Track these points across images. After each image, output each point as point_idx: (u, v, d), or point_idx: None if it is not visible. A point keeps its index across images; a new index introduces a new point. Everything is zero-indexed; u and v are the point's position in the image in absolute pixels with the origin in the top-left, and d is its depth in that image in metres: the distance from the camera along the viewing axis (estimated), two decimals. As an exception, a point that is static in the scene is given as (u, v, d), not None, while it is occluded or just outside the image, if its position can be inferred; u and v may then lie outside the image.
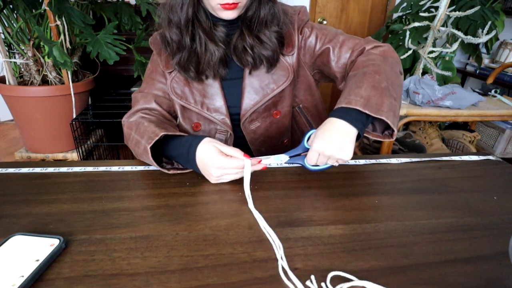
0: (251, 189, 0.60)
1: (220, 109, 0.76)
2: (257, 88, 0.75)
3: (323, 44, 0.75)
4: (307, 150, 0.59)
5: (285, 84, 0.75)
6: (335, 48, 0.73)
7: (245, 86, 0.75)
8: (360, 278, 0.40)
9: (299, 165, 0.57)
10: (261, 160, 0.62)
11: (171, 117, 0.78)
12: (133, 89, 1.84)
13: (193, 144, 0.61)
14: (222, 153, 0.59)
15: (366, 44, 0.72)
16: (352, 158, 0.73)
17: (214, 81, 0.75)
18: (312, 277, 0.40)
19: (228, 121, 0.77)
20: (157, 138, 0.61)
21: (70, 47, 1.57)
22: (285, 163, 0.57)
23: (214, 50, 0.70)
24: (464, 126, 1.98)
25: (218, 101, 0.76)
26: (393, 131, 0.63)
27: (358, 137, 0.60)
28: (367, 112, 0.57)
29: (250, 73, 0.74)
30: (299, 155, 0.59)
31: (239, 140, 0.80)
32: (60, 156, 1.68)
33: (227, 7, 0.64)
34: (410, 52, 1.85)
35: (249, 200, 0.55)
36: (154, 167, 0.67)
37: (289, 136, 0.85)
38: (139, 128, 0.68)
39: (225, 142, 0.78)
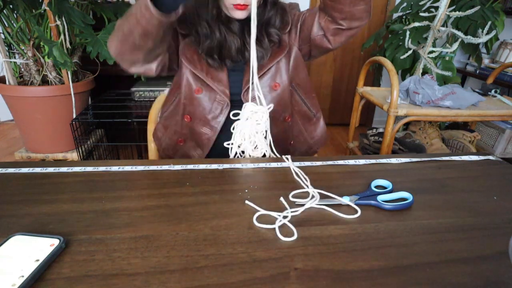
0: (251, 189, 0.60)
1: (222, 80, 0.83)
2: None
3: (301, 16, 0.85)
4: (374, 193, 0.59)
5: (280, 56, 0.83)
6: (307, 12, 0.85)
7: (247, 66, 0.83)
8: (360, 278, 0.40)
9: (370, 204, 0.57)
10: None
11: None
12: (133, 89, 1.84)
13: None
14: None
15: None
16: (352, 158, 0.74)
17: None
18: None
19: (227, 91, 0.82)
20: None
21: (70, 47, 1.57)
22: (355, 203, 0.57)
23: (233, 41, 0.79)
24: (464, 126, 1.98)
25: (221, 73, 0.83)
26: None
27: None
28: None
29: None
30: (366, 197, 0.58)
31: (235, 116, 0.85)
32: (60, 156, 1.68)
33: (239, 7, 0.73)
34: (410, 52, 1.85)
35: None
36: (154, 166, 0.67)
37: (290, 112, 0.89)
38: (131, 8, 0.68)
39: (221, 111, 0.83)
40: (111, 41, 0.73)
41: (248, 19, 0.79)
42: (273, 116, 0.85)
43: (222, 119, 0.83)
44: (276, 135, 0.86)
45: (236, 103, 0.83)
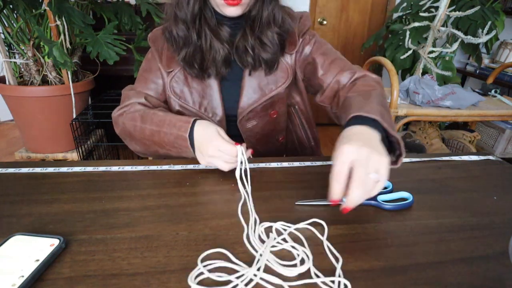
0: (251, 189, 0.60)
1: (217, 110, 0.77)
2: (255, 88, 0.76)
3: (315, 54, 0.76)
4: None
5: (284, 85, 0.77)
6: (325, 62, 0.75)
7: (244, 85, 0.76)
8: (360, 278, 0.40)
9: (371, 204, 0.56)
10: (253, 151, 0.64)
11: None
12: (133, 89, 1.84)
13: (198, 119, 0.65)
14: (221, 136, 0.62)
15: (357, 69, 0.73)
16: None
17: (214, 81, 0.76)
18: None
19: (224, 122, 0.78)
20: (190, 124, 0.64)
21: (70, 47, 1.57)
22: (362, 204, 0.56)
23: (219, 49, 0.71)
24: (464, 126, 1.98)
25: (216, 102, 0.77)
26: (399, 156, 0.55)
27: None
28: (384, 125, 0.52)
29: (249, 74, 0.76)
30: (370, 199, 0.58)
31: (234, 139, 0.80)
32: (60, 156, 1.68)
33: (230, 3, 0.65)
34: (410, 52, 1.85)
35: (241, 188, 0.57)
36: (154, 166, 0.67)
37: (284, 134, 0.86)
38: (147, 116, 0.70)
39: None
40: (135, 146, 0.75)
41: (239, 23, 0.73)
42: (265, 138, 0.81)
43: None
44: (266, 153, 0.82)
45: (232, 117, 0.78)
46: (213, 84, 0.76)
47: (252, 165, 0.69)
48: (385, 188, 0.62)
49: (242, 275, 0.40)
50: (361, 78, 0.71)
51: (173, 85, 0.76)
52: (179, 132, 0.64)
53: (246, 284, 0.38)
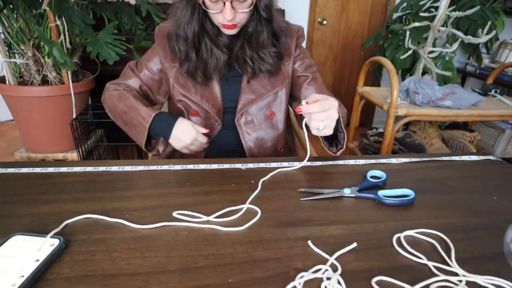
0: (251, 189, 0.60)
1: (217, 101, 0.81)
2: (254, 89, 0.81)
3: (305, 71, 0.85)
4: (372, 184, 0.62)
5: (280, 86, 0.82)
6: (311, 80, 0.84)
7: (243, 86, 0.81)
8: (360, 278, 0.40)
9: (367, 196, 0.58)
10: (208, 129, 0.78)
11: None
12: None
13: (177, 116, 0.77)
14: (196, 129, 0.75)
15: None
16: (352, 158, 0.74)
17: (216, 81, 0.81)
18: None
19: (221, 113, 0.82)
20: (152, 116, 0.74)
21: (70, 47, 1.57)
22: (356, 196, 0.58)
23: (219, 55, 0.76)
24: (464, 126, 1.98)
25: (216, 90, 0.81)
26: (338, 149, 0.70)
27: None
28: (341, 122, 0.67)
29: (248, 82, 0.81)
30: (365, 189, 0.59)
31: (228, 131, 0.84)
32: (60, 156, 1.68)
33: (227, 27, 0.72)
34: (410, 52, 1.85)
35: None
36: (154, 166, 0.67)
37: (283, 144, 0.89)
38: (122, 98, 0.79)
39: (214, 129, 0.83)
40: (109, 112, 0.83)
41: (237, 36, 0.77)
42: (264, 144, 0.84)
43: (212, 136, 0.83)
44: (259, 154, 0.85)
45: (229, 116, 0.82)
46: (215, 82, 0.81)
47: (252, 165, 0.69)
48: (379, 178, 0.64)
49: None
50: None
51: (178, 76, 0.82)
52: (143, 121, 0.75)
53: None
